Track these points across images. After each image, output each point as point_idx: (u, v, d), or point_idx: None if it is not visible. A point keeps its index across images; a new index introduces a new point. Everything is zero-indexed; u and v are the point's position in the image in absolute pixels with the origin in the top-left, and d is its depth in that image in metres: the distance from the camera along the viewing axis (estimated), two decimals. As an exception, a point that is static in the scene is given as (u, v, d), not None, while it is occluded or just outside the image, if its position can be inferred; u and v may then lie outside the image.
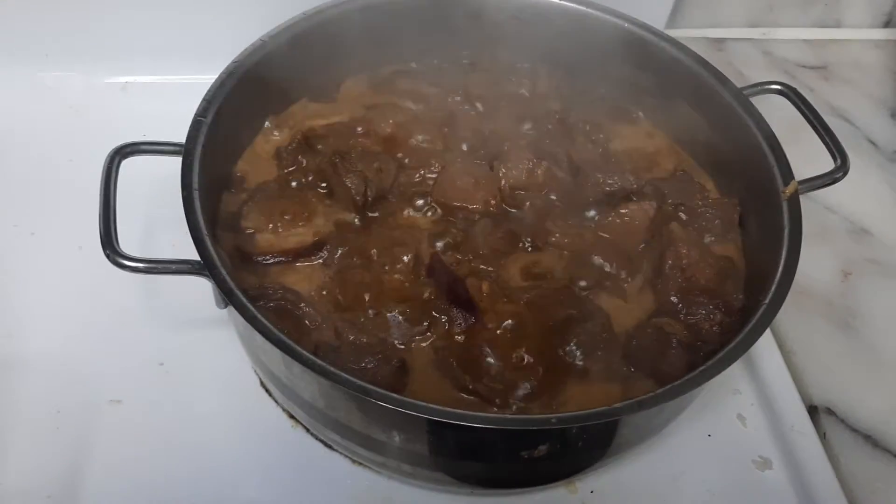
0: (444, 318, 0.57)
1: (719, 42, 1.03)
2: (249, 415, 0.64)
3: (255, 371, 0.65)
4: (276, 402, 0.64)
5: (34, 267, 0.71)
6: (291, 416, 0.63)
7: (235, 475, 0.61)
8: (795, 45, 1.04)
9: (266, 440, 0.63)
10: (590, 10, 0.73)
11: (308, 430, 0.62)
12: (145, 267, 0.52)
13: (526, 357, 0.56)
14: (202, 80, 0.82)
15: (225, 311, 0.56)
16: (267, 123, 0.68)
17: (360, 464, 0.61)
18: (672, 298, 0.59)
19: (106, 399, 0.63)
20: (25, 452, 0.60)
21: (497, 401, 0.54)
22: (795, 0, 1.03)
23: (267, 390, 0.64)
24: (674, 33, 0.99)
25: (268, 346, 0.49)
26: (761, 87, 0.68)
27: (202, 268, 0.52)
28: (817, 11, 1.04)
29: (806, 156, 0.65)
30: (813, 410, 0.68)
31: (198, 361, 0.66)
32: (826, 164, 0.63)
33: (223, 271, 0.51)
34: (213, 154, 0.59)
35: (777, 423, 0.66)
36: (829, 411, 0.68)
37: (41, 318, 0.67)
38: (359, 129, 0.68)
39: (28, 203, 0.75)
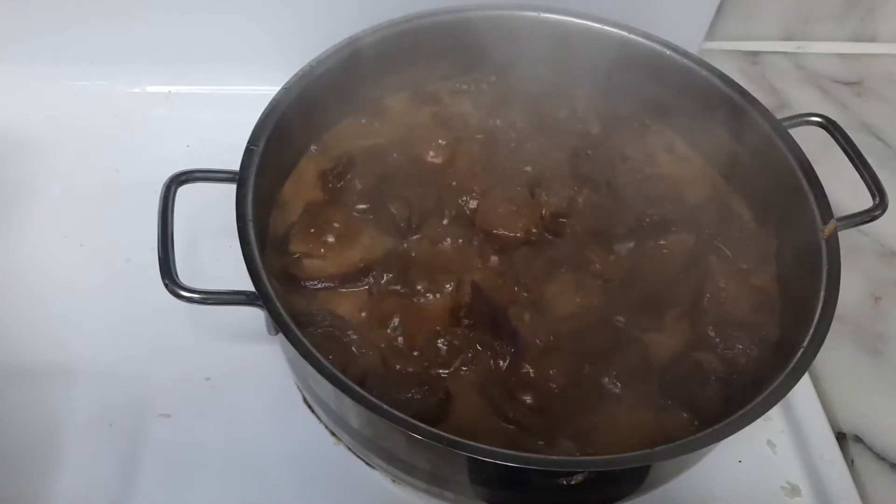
0: (486, 348, 0.58)
1: (754, 55, 1.03)
2: (292, 431, 0.66)
3: (297, 388, 0.67)
4: (318, 419, 0.66)
5: (83, 278, 0.72)
6: (333, 434, 0.65)
7: (278, 490, 0.63)
8: (830, 58, 1.04)
9: (308, 456, 0.64)
10: (629, 35, 0.73)
11: (350, 449, 0.64)
12: (200, 298, 0.54)
13: (565, 386, 0.58)
14: (245, 90, 0.86)
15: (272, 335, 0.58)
16: (312, 147, 0.69)
17: (401, 484, 0.63)
18: (709, 332, 0.60)
19: (155, 413, 0.65)
20: (79, 465, 0.62)
21: (535, 430, 0.56)
22: (831, 13, 1.03)
23: (309, 407, 0.66)
24: (708, 46, 1.00)
25: (318, 376, 0.51)
26: (802, 119, 0.69)
27: (257, 299, 0.53)
28: (853, 25, 1.04)
29: (841, 181, 0.66)
30: (841, 437, 0.69)
31: (243, 377, 0.68)
32: (862, 191, 0.64)
33: (278, 304, 0.52)
34: (263, 177, 0.61)
35: (806, 449, 0.67)
36: (857, 438, 0.69)
37: (91, 329, 0.69)
38: (401, 152, 0.69)
39: (75, 213, 0.77)
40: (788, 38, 1.04)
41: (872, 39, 1.05)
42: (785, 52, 1.04)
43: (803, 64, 1.03)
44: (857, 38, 1.05)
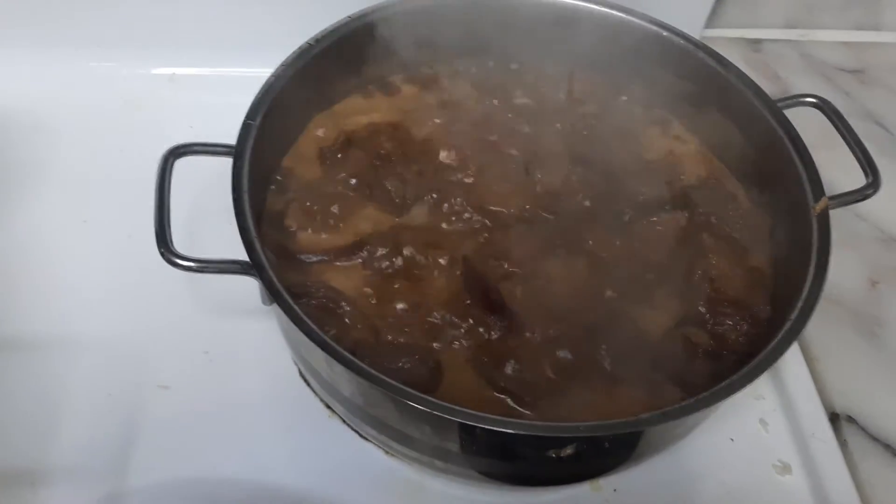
0: (479, 322, 0.59)
1: (756, 43, 1.03)
2: (288, 404, 0.67)
3: (294, 362, 0.68)
4: (314, 392, 0.67)
5: (86, 253, 0.74)
6: (328, 407, 0.66)
7: (273, 461, 0.64)
8: (833, 47, 1.04)
9: (303, 429, 0.66)
10: (628, 17, 0.74)
11: (344, 421, 0.65)
12: (197, 266, 0.55)
13: (556, 360, 0.58)
14: (248, 73, 0.84)
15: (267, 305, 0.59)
16: (311, 123, 0.70)
17: (394, 455, 0.64)
18: (700, 308, 0.61)
19: (154, 384, 0.66)
20: (79, 433, 0.63)
21: (527, 400, 0.56)
22: (835, 2, 1.03)
23: (305, 381, 0.67)
24: (711, 33, 1.01)
25: (311, 345, 0.52)
26: (796, 100, 0.69)
27: (251, 268, 0.54)
28: (856, 14, 1.04)
29: (839, 165, 0.66)
30: (834, 418, 0.69)
31: (240, 350, 0.69)
32: (860, 174, 0.65)
33: (271, 274, 0.53)
34: (261, 153, 0.61)
35: (798, 429, 0.68)
36: (851, 419, 0.70)
37: (93, 303, 0.71)
38: (398, 131, 0.70)
39: (80, 192, 0.78)
40: (792, 26, 1.04)
41: (876, 28, 1.05)
42: (788, 40, 1.04)
43: (807, 52, 1.03)
44: (861, 27, 1.05)
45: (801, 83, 0.99)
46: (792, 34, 1.04)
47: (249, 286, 0.59)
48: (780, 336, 0.54)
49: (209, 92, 0.87)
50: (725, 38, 1.02)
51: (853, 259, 0.81)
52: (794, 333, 0.54)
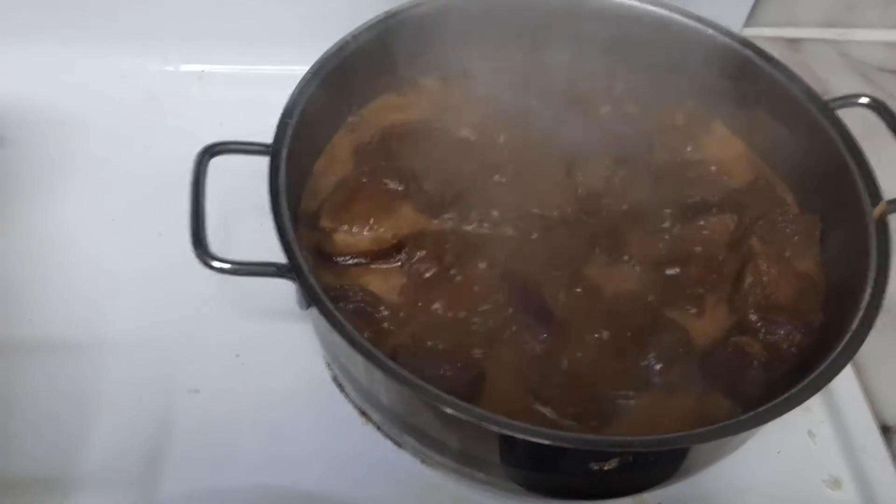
0: (521, 328, 0.57)
1: (795, 42, 1.00)
2: (320, 409, 0.65)
3: (327, 366, 0.66)
4: (347, 397, 0.65)
5: (116, 253, 0.72)
6: (363, 414, 0.64)
7: (305, 468, 0.62)
8: (874, 46, 1.01)
9: (336, 435, 0.64)
10: (670, 14, 0.71)
11: (379, 428, 0.63)
12: (232, 268, 0.53)
13: (601, 369, 0.56)
14: (278, 70, 0.85)
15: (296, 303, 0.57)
16: (347, 122, 0.68)
17: (431, 465, 0.62)
18: (751, 316, 0.59)
19: (185, 388, 0.65)
20: (110, 440, 0.61)
21: (571, 411, 0.54)
22: (876, 0, 1.00)
23: (339, 385, 0.66)
24: (750, 32, 0.98)
25: (349, 350, 0.50)
26: (849, 100, 0.66)
27: (288, 271, 0.53)
28: (899, 12, 1.01)
29: (887, 169, 0.64)
30: (885, 430, 0.67)
31: (271, 354, 0.67)
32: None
33: (309, 276, 0.51)
34: (296, 153, 0.60)
35: (848, 442, 0.65)
36: (902, 432, 0.67)
37: (122, 304, 0.69)
38: (436, 130, 0.68)
39: (107, 189, 0.77)
40: (831, 25, 1.02)
41: (920, 27, 1.02)
42: (827, 40, 1.01)
43: (846, 51, 1.00)
44: (903, 26, 1.02)
45: (841, 83, 0.96)
46: (831, 33, 1.02)
47: (282, 287, 0.57)
48: (839, 348, 0.51)
49: (238, 90, 0.86)
50: (763, 38, 0.99)
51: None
52: (856, 345, 0.51)
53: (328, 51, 0.64)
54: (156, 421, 0.63)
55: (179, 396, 0.64)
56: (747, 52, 0.70)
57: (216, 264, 0.53)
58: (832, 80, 0.96)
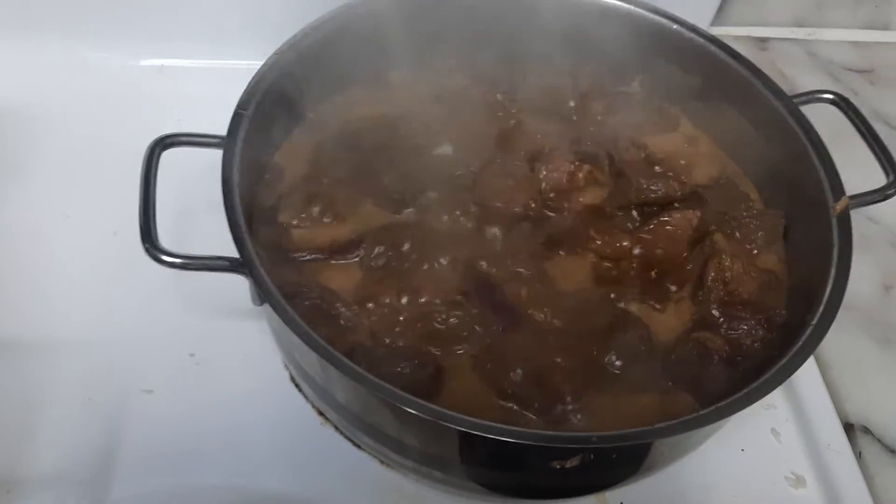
0: (481, 324, 0.56)
1: (763, 41, 1.01)
2: (278, 409, 0.63)
3: (284, 365, 0.65)
4: (305, 398, 0.63)
5: (68, 251, 0.70)
6: (321, 414, 0.63)
7: (262, 469, 0.60)
8: (841, 46, 1.01)
9: (294, 436, 0.62)
10: (636, 9, 0.71)
11: (337, 429, 0.62)
12: (182, 263, 0.52)
13: (564, 365, 0.55)
14: (238, 65, 0.82)
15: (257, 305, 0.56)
16: (308, 117, 0.67)
17: (389, 466, 0.60)
18: (713, 311, 0.58)
19: (138, 389, 0.63)
20: (58, 440, 0.60)
21: (535, 406, 0.53)
22: (844, 0, 1.01)
23: (297, 385, 0.64)
24: (717, 31, 0.98)
25: (304, 347, 0.48)
26: (813, 96, 0.66)
27: (241, 265, 0.51)
28: (866, 12, 1.02)
29: (848, 166, 0.63)
30: (849, 428, 0.67)
31: (227, 353, 0.66)
32: (871, 174, 0.62)
33: (262, 271, 0.50)
34: (253, 146, 0.58)
35: (812, 440, 0.65)
36: (866, 430, 0.67)
37: (74, 303, 0.67)
38: (397, 125, 0.67)
39: (63, 185, 0.75)
40: (799, 25, 1.02)
41: (886, 27, 1.03)
42: (795, 39, 1.01)
43: (814, 51, 1.00)
44: (870, 26, 1.03)
45: (809, 82, 0.96)
46: (799, 33, 1.02)
47: (238, 285, 0.55)
48: (800, 342, 0.51)
49: (199, 84, 0.84)
50: (731, 36, 0.99)
51: (866, 263, 0.78)
52: (817, 339, 0.51)
53: (286, 42, 0.63)
54: (107, 422, 0.61)
55: (132, 397, 0.62)
56: (713, 48, 0.69)
57: (166, 258, 0.51)
58: (800, 79, 0.97)
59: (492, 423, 0.46)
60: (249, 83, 0.60)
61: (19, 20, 0.82)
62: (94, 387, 0.63)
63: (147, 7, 0.83)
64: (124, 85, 0.84)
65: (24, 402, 0.61)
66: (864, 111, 0.84)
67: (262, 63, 0.62)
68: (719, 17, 0.97)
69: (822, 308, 0.52)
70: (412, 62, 0.71)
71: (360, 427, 0.55)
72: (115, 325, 0.66)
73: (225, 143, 0.56)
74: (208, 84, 0.84)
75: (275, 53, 0.62)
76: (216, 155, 0.58)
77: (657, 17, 0.71)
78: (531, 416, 0.53)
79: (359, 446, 0.61)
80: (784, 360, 0.50)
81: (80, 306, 0.67)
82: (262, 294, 0.50)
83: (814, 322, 0.52)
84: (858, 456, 0.65)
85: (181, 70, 0.85)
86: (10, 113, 0.79)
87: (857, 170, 0.63)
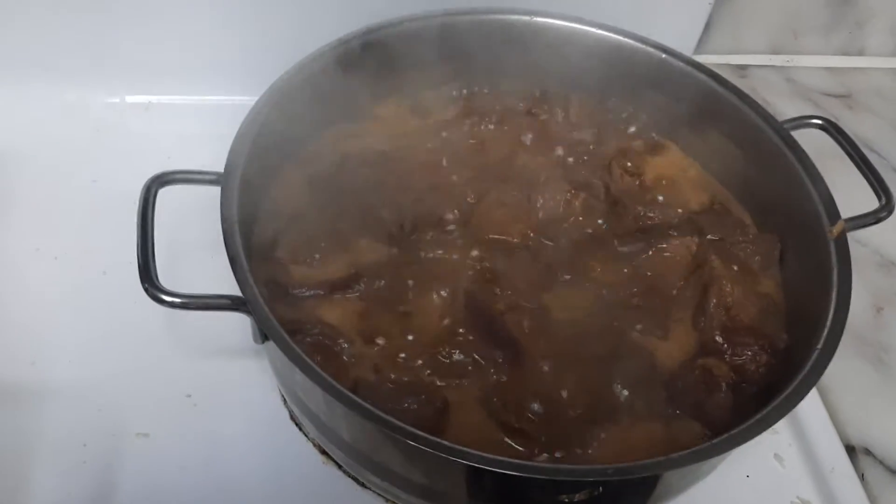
0: (484, 356, 0.56)
1: (743, 69, 1.02)
2: (279, 449, 0.62)
3: (284, 403, 0.64)
4: (306, 436, 0.62)
5: (57, 292, 0.69)
6: (323, 452, 0.61)
7: (264, 510, 0.59)
8: (818, 72, 1.03)
9: (296, 475, 0.61)
10: (624, 39, 0.72)
11: (340, 467, 0.61)
12: (182, 302, 0.51)
13: (568, 395, 0.55)
14: (225, 101, 0.84)
15: (252, 340, 0.55)
16: (301, 149, 0.66)
17: (394, 503, 0.59)
18: (716, 338, 0.58)
19: (133, 432, 0.61)
20: (53, 487, 0.58)
21: (542, 439, 0.53)
22: (819, 27, 1.03)
23: (296, 424, 0.63)
24: (699, 59, 0.99)
25: (308, 384, 0.48)
26: (802, 122, 0.67)
27: (242, 304, 0.50)
28: (841, 39, 1.04)
29: (838, 189, 0.64)
30: (850, 450, 0.67)
31: (225, 393, 0.64)
32: (858, 198, 0.63)
33: (266, 310, 0.49)
34: (250, 182, 0.58)
35: (816, 464, 0.65)
36: (867, 451, 0.67)
37: (65, 345, 0.65)
38: (392, 157, 0.67)
39: (51, 225, 0.74)
40: (777, 52, 1.04)
41: (860, 53, 1.05)
42: (774, 66, 1.03)
43: (792, 77, 1.02)
44: (845, 52, 1.05)
45: (789, 108, 0.98)
46: (777, 60, 1.04)
47: (233, 323, 0.55)
48: (807, 368, 0.51)
49: (187, 121, 0.84)
50: (712, 64, 0.99)
51: (856, 285, 0.78)
52: (823, 365, 0.51)
53: (280, 77, 0.63)
54: (103, 468, 0.59)
55: (127, 441, 0.61)
56: (701, 76, 0.70)
57: (166, 298, 0.50)
58: (779, 105, 0.98)
59: (501, 458, 0.45)
60: (246, 119, 0.60)
61: (1, 61, 0.81)
62: (88, 432, 0.61)
63: (132, 44, 0.82)
64: (111, 123, 0.83)
65: (17, 450, 0.59)
66: (845, 135, 0.86)
67: (248, 98, 0.62)
68: (700, 45, 0.98)
69: (825, 333, 0.53)
70: (405, 95, 0.71)
71: (365, 465, 0.54)
72: (107, 367, 0.65)
73: (223, 180, 0.55)
74: (196, 120, 0.83)
75: (270, 89, 0.62)
76: (204, 191, 0.57)
77: (645, 47, 0.72)
78: (537, 450, 0.52)
79: (363, 484, 0.60)
80: (792, 387, 0.50)
81: (72, 349, 0.65)
82: (266, 333, 0.49)
83: (818, 347, 0.52)
84: (861, 477, 0.65)
85: (168, 107, 0.85)
86: (-3, 153, 0.78)
87: (847, 192, 0.63)
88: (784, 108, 0.98)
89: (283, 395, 0.63)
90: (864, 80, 1.03)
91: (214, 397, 0.64)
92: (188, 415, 0.63)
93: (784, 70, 1.03)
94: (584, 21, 0.72)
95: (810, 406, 0.68)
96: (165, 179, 0.55)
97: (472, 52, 0.72)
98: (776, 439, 0.67)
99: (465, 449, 0.45)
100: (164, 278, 0.53)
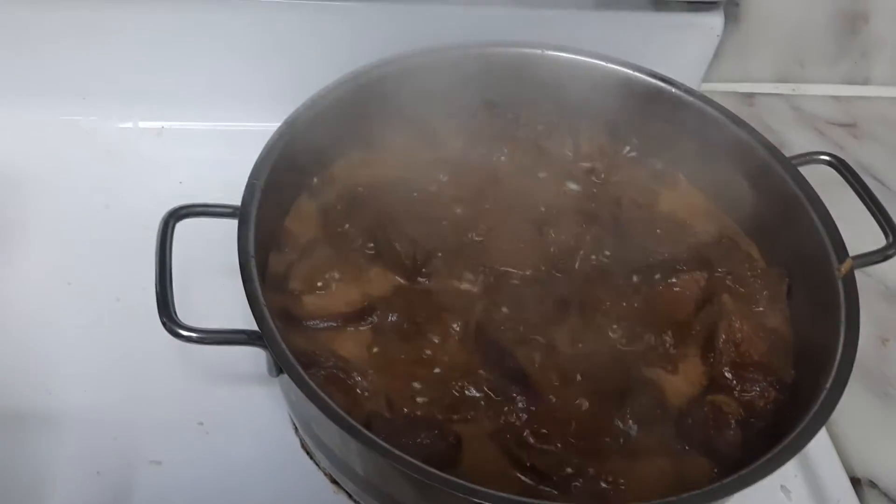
0: (497, 392, 0.56)
1: (749, 97, 1.03)
2: (290, 477, 0.62)
3: (295, 431, 0.64)
4: (317, 465, 0.63)
5: (71, 319, 0.69)
6: (334, 482, 0.62)
7: (275, 540, 0.60)
8: (824, 101, 1.04)
9: (307, 504, 0.62)
10: (633, 73, 0.73)
11: (350, 497, 0.61)
12: (199, 337, 0.51)
13: (578, 431, 0.55)
14: (238, 127, 0.85)
15: (265, 370, 0.55)
16: (314, 182, 0.67)
17: (405, 534, 0.60)
18: (725, 373, 0.59)
19: (146, 460, 0.62)
20: (67, 516, 0.58)
21: (554, 477, 0.53)
22: (824, 56, 1.04)
23: (307, 452, 0.63)
24: (705, 87, 1.00)
25: (324, 420, 0.48)
26: (810, 157, 0.68)
27: (259, 338, 0.51)
28: (846, 68, 1.05)
29: (844, 224, 0.64)
30: (856, 482, 0.67)
31: (236, 420, 0.65)
32: (864, 228, 0.63)
33: (283, 345, 0.50)
34: (264, 214, 0.58)
35: (821, 496, 0.65)
36: (872, 484, 0.67)
37: (80, 373, 0.66)
38: (405, 189, 0.67)
39: (64, 250, 0.74)
40: (783, 80, 1.05)
41: (866, 82, 1.06)
42: (780, 94, 1.04)
43: (798, 105, 1.03)
44: (850, 81, 1.06)
45: (795, 136, 0.99)
46: (783, 88, 1.05)
47: (245, 350, 0.55)
48: (816, 406, 0.52)
49: (199, 146, 0.84)
50: (719, 92, 1.02)
51: (861, 316, 0.78)
52: (833, 403, 0.52)
53: (296, 111, 0.64)
54: (116, 496, 0.60)
55: (140, 469, 0.61)
56: (709, 109, 0.71)
57: (184, 333, 0.51)
58: (786, 134, 0.99)
59: (515, 497, 0.46)
60: (261, 153, 0.60)
61: (13, 86, 0.82)
62: (101, 459, 0.61)
63: (144, 69, 0.83)
64: (124, 148, 0.83)
65: (30, 478, 0.60)
66: (851, 164, 0.87)
67: (258, 125, 0.63)
68: (707, 73, 0.99)
69: (833, 373, 0.53)
70: (417, 126, 0.72)
71: (378, 498, 0.55)
72: (120, 394, 0.65)
73: (240, 213, 0.56)
74: (209, 146, 0.84)
75: (285, 122, 0.63)
76: (219, 220, 0.58)
77: (654, 80, 0.73)
78: (548, 488, 0.53)
79: (374, 515, 0.60)
80: (801, 426, 0.50)
81: (84, 376, 0.66)
82: (282, 368, 0.50)
83: (827, 386, 0.52)
84: (868, 511, 0.66)
85: (180, 132, 0.85)
86: (8, 179, 0.78)
87: (852, 228, 0.64)
88: (790, 136, 0.99)
89: (294, 424, 0.64)
90: (869, 109, 1.04)
91: (226, 425, 0.64)
92: (200, 442, 0.63)
93: (790, 98, 1.04)
94: (593, 54, 0.73)
95: (816, 438, 0.68)
96: (182, 213, 0.56)
97: (483, 84, 0.73)
98: (782, 471, 0.65)
99: (478, 488, 0.45)
100: (176, 305, 0.53)
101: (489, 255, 0.64)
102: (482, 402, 0.56)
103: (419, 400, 0.55)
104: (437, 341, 0.59)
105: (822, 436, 0.69)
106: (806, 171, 0.67)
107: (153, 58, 0.82)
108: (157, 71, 0.83)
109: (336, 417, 0.47)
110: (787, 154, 0.68)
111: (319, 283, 0.61)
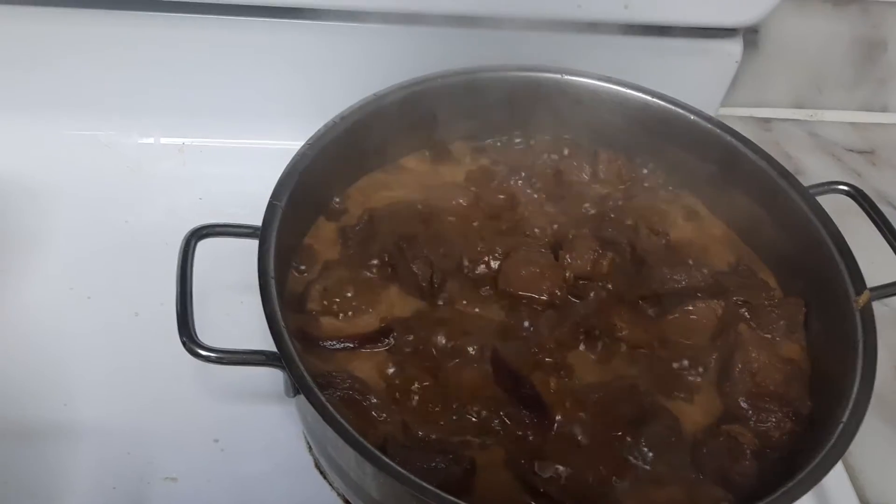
0: (512, 418, 0.56)
1: (766, 122, 1.03)
2: (302, 497, 0.63)
3: (309, 450, 0.65)
4: (331, 485, 0.63)
5: (90, 333, 0.70)
6: (347, 501, 0.62)
7: (287, 559, 0.60)
8: (842, 127, 1.04)
9: (320, 524, 0.62)
10: (652, 99, 0.73)
11: (363, 518, 0.61)
12: (218, 357, 0.52)
13: (593, 457, 0.55)
14: (258, 145, 0.86)
15: (282, 390, 0.56)
16: (333, 203, 0.68)
17: (418, 556, 0.60)
18: (741, 403, 0.59)
19: (161, 476, 0.62)
20: (82, 532, 0.59)
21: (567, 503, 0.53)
22: (842, 83, 1.04)
23: (321, 471, 0.64)
24: (722, 112, 1.01)
25: (340, 442, 0.48)
26: (829, 187, 0.68)
27: (277, 359, 0.51)
28: (864, 94, 1.05)
29: (862, 253, 0.64)
30: (871, 514, 0.67)
31: (251, 438, 0.65)
32: (881, 261, 0.63)
33: (301, 367, 0.50)
34: (283, 235, 0.59)
35: (836, 526, 0.65)
36: (887, 514, 0.67)
37: (97, 387, 0.66)
38: (423, 211, 0.68)
39: (83, 265, 0.75)
40: (800, 106, 1.05)
41: (884, 109, 1.06)
42: (797, 120, 1.04)
43: (816, 132, 1.03)
44: (868, 108, 1.06)
45: (812, 163, 0.99)
46: (800, 114, 1.05)
47: (263, 370, 0.55)
48: (833, 440, 0.51)
49: (219, 163, 0.85)
50: (736, 117, 1.02)
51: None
52: (849, 436, 0.52)
53: (318, 132, 0.64)
54: (131, 512, 0.60)
55: (155, 485, 0.62)
56: (727, 137, 0.71)
57: (203, 353, 0.51)
58: (803, 160, 0.99)
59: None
60: (282, 174, 0.61)
61: (37, 100, 0.83)
62: (117, 475, 0.62)
63: (166, 86, 0.84)
64: (145, 164, 0.84)
65: (47, 491, 0.61)
66: (868, 192, 0.87)
67: (278, 143, 0.66)
68: (725, 98, 0.99)
69: (850, 406, 0.53)
70: (436, 148, 0.72)
71: (392, 521, 0.55)
72: (137, 409, 0.66)
73: (260, 234, 0.56)
74: (229, 163, 0.85)
75: (306, 143, 0.63)
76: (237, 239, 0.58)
77: (672, 107, 0.73)
78: (563, 512, 0.53)
79: (386, 537, 0.60)
80: (817, 460, 0.50)
81: (102, 391, 0.66)
82: (300, 389, 0.50)
83: (844, 419, 0.52)
84: (881, 541, 0.65)
85: (202, 149, 0.86)
86: (31, 193, 0.80)
87: (870, 258, 0.64)
88: (807, 162, 0.99)
89: (308, 443, 0.64)
90: (887, 136, 1.04)
91: (241, 443, 0.65)
92: (215, 460, 0.64)
93: (808, 124, 1.04)
94: (612, 80, 0.73)
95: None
96: (203, 233, 0.57)
97: (502, 108, 0.73)
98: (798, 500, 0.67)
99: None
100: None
101: (506, 280, 0.64)
102: (497, 428, 0.56)
103: (434, 424, 0.55)
104: (452, 365, 0.59)
105: (836, 466, 0.68)
106: (824, 199, 0.67)
107: (176, 75, 0.84)
108: (179, 88, 0.84)
109: (352, 441, 0.48)
110: (805, 181, 0.68)
111: (337, 304, 0.61)
